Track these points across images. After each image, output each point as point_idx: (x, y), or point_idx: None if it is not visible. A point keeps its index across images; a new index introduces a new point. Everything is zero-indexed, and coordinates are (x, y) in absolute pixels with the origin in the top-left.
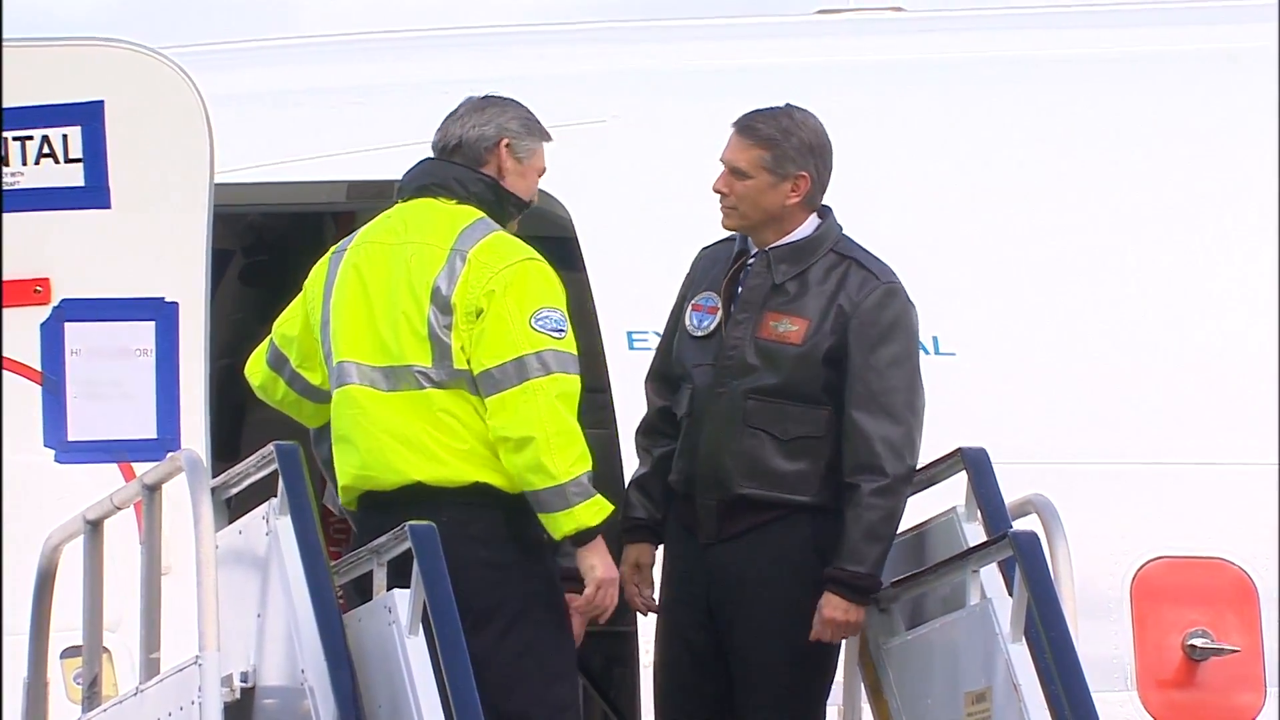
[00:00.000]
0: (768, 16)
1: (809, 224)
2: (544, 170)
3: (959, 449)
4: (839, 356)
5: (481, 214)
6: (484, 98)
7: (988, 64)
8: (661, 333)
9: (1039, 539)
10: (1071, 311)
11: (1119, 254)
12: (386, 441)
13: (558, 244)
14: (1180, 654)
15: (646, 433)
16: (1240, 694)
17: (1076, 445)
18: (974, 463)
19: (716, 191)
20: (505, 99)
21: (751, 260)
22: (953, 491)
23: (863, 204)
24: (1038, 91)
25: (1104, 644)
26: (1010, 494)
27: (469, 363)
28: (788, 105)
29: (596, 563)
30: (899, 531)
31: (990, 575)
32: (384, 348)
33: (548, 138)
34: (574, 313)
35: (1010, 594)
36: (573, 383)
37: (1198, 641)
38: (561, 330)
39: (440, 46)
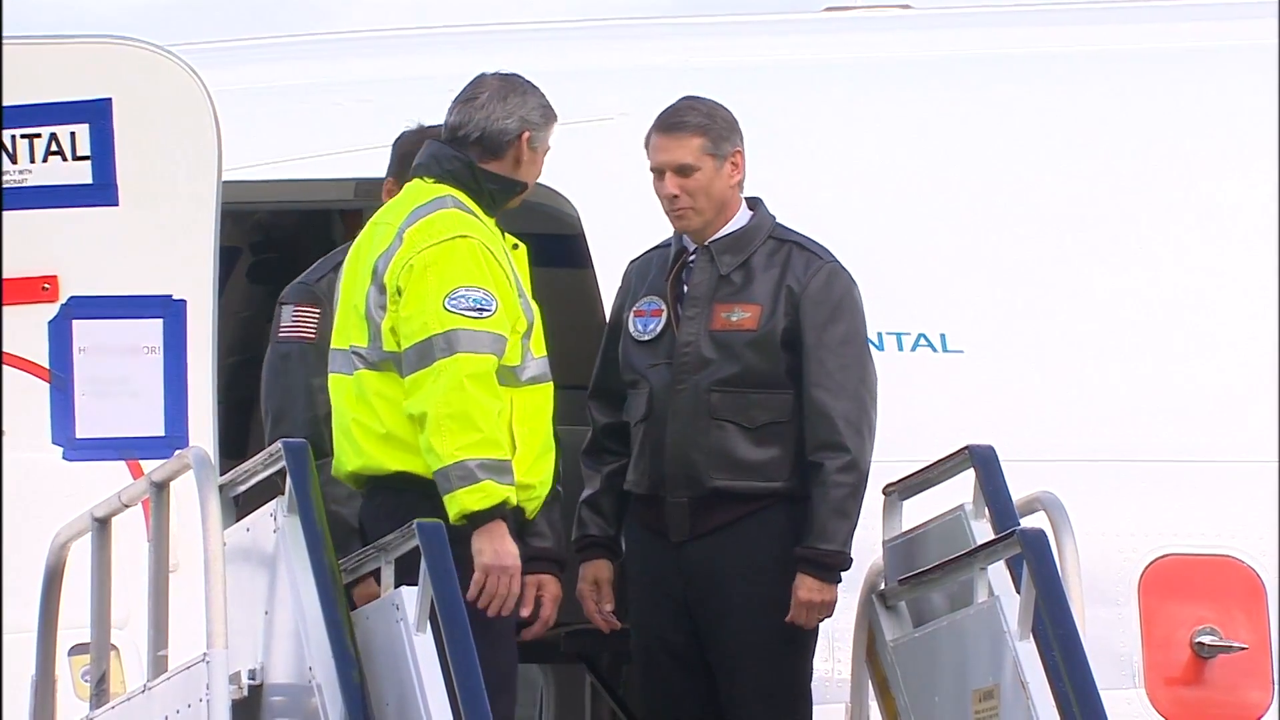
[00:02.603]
0: (776, 14)
1: (743, 213)
2: (549, 149)
3: (966, 446)
4: (793, 339)
5: (448, 192)
6: (503, 81)
7: (997, 61)
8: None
9: (1047, 536)
10: (1079, 308)
11: (1127, 250)
12: (336, 428)
13: (566, 242)
14: (1188, 651)
15: (591, 453)
16: (1248, 691)
17: (1084, 442)
18: (981, 460)
19: (667, 198)
20: (523, 84)
21: (692, 258)
22: (960, 489)
23: (870, 201)
24: (1045, 88)
25: (1111, 641)
26: (1018, 491)
27: (398, 344)
28: (688, 97)
29: (484, 547)
30: (906, 529)
31: (998, 573)
32: (342, 330)
33: (556, 120)
34: (581, 311)
35: (1018, 591)
36: (481, 363)
37: (1206, 639)
38: (480, 309)
39: (449, 43)
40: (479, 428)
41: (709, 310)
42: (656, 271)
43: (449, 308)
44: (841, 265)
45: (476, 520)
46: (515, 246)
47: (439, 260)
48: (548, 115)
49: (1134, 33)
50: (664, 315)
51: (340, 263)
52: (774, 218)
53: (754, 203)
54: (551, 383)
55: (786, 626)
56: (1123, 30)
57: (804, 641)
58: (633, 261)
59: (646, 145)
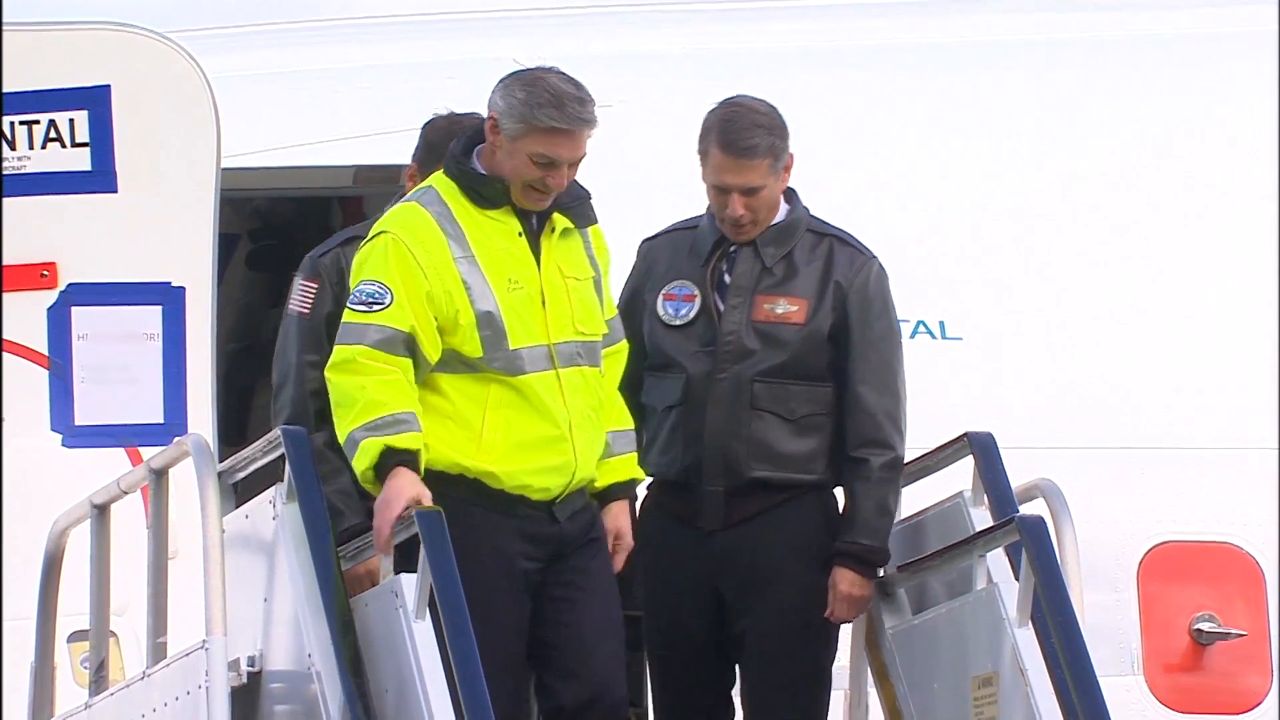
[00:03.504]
0: (773, 0)
1: (783, 206)
2: (545, 156)
3: (965, 434)
4: (837, 333)
5: (433, 184)
6: (514, 72)
7: (990, 47)
8: None
9: (1045, 524)
10: (1078, 295)
11: (1126, 238)
12: None
13: None
14: (1187, 638)
15: None
16: (1247, 677)
17: (1083, 429)
18: (980, 447)
19: (732, 218)
20: (521, 76)
21: (733, 248)
22: (959, 476)
23: (868, 188)
24: (1042, 74)
25: (1110, 628)
26: (1017, 479)
27: None
28: (740, 102)
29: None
30: (905, 517)
31: (997, 560)
32: None
33: (545, 123)
34: None
35: (1017, 579)
36: (341, 352)
37: (1204, 625)
38: (370, 303)
39: (448, 29)
40: (353, 404)
41: (751, 301)
42: (687, 256)
43: (349, 303)
44: (878, 259)
45: (381, 475)
46: (557, 231)
47: (358, 257)
48: (522, 111)
49: (1130, 19)
50: (697, 301)
51: (350, 239)
52: (808, 209)
53: (790, 194)
54: (549, 373)
55: (816, 614)
56: (1118, 17)
57: (830, 631)
58: (649, 240)
59: (704, 156)
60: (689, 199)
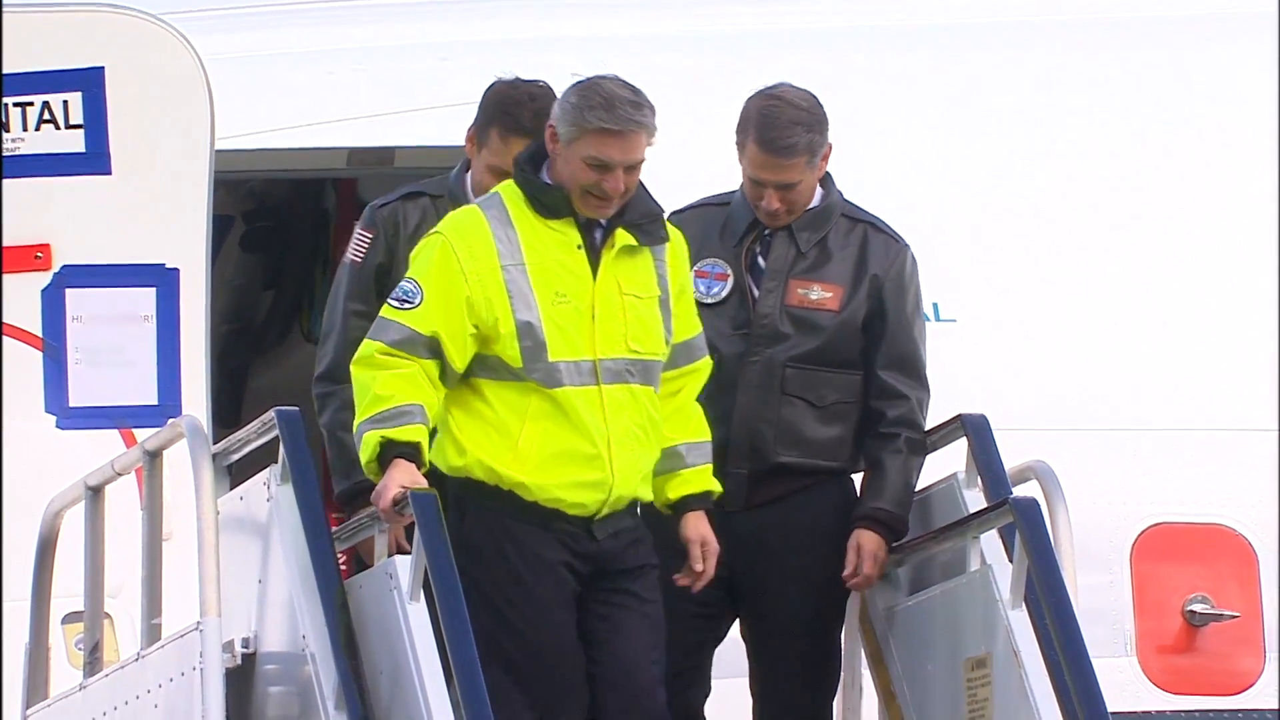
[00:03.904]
0: None
1: (817, 190)
2: (597, 158)
3: (959, 415)
4: (871, 320)
5: (495, 192)
6: (576, 81)
7: (983, 28)
8: None
9: (1039, 505)
10: (1072, 278)
11: (1120, 220)
12: None
13: None
14: (1180, 619)
15: None
16: (1240, 659)
17: (1077, 411)
18: (974, 429)
19: (769, 211)
20: (581, 82)
21: (768, 231)
22: (953, 458)
23: (860, 170)
24: (1038, 55)
25: (1104, 610)
26: (1010, 460)
27: None
28: (780, 95)
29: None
30: None
31: (990, 541)
32: None
33: (595, 124)
34: None
35: (1010, 560)
36: (365, 347)
37: (1197, 607)
38: (401, 301)
39: (440, 11)
40: (364, 397)
41: (785, 285)
42: (718, 234)
43: (389, 297)
44: (910, 247)
45: (382, 468)
46: (617, 247)
47: (413, 253)
48: (578, 117)
49: (1127, 1)
50: (730, 281)
51: (411, 193)
52: (841, 193)
53: (825, 179)
54: (592, 388)
55: (832, 597)
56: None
57: (840, 613)
58: (678, 213)
59: (741, 147)
60: (683, 183)
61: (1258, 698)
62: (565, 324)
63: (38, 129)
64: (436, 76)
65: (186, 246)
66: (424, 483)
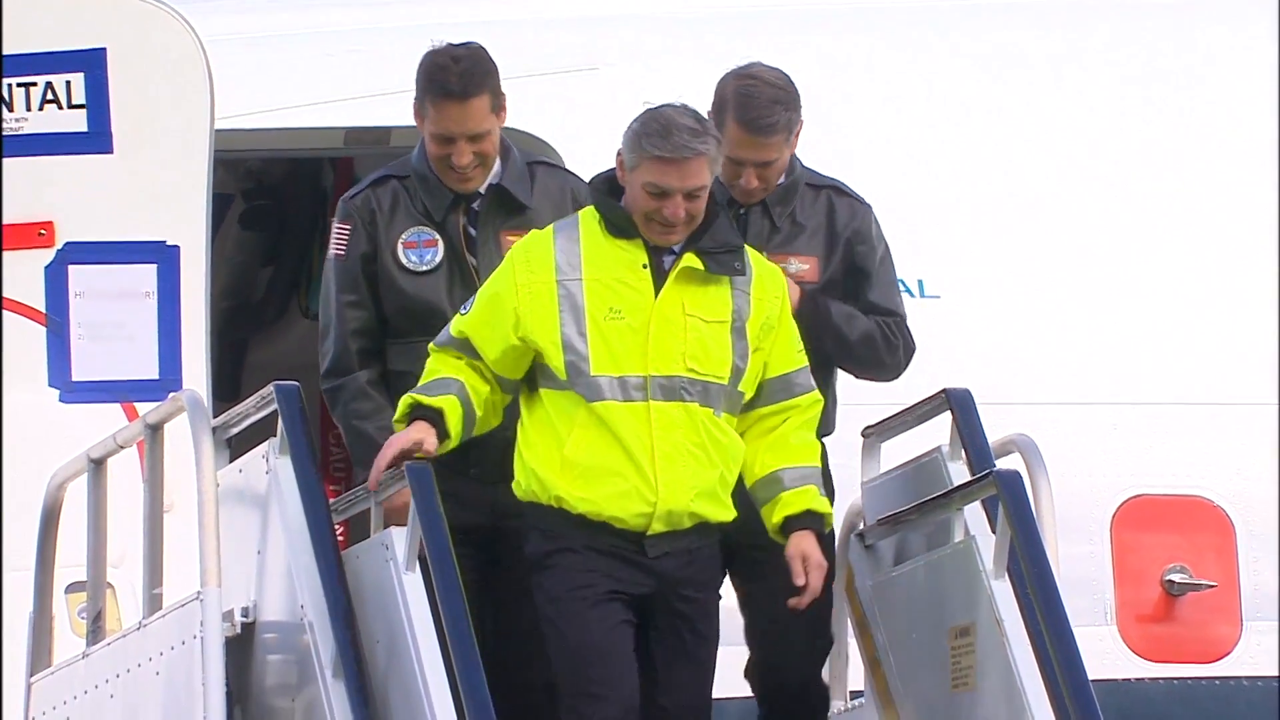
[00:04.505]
0: None
1: None
2: (655, 185)
3: (944, 390)
4: (847, 281)
5: (584, 212)
6: (644, 109)
7: (965, 8)
8: None
9: (1021, 478)
10: (1054, 253)
11: (1100, 197)
12: None
13: None
14: (1159, 589)
15: None
16: (1217, 627)
17: (1058, 386)
18: (958, 403)
19: (745, 188)
20: (647, 110)
21: (743, 209)
22: (938, 431)
23: (845, 147)
24: (1021, 31)
25: (1084, 579)
26: (993, 434)
27: None
28: (756, 74)
29: None
30: (885, 471)
31: (974, 513)
32: None
33: (651, 152)
34: None
35: (993, 532)
36: (429, 345)
37: (1176, 576)
38: (462, 307)
39: None
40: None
41: None
42: None
43: None
44: (871, 206)
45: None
46: (679, 268)
47: None
48: (636, 145)
49: None
50: None
51: (381, 178)
52: (800, 162)
53: None
54: (640, 404)
55: (832, 549)
56: None
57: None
58: None
59: (719, 127)
60: None
61: (1235, 665)
62: (614, 340)
63: (41, 109)
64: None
65: (187, 224)
66: (433, 444)
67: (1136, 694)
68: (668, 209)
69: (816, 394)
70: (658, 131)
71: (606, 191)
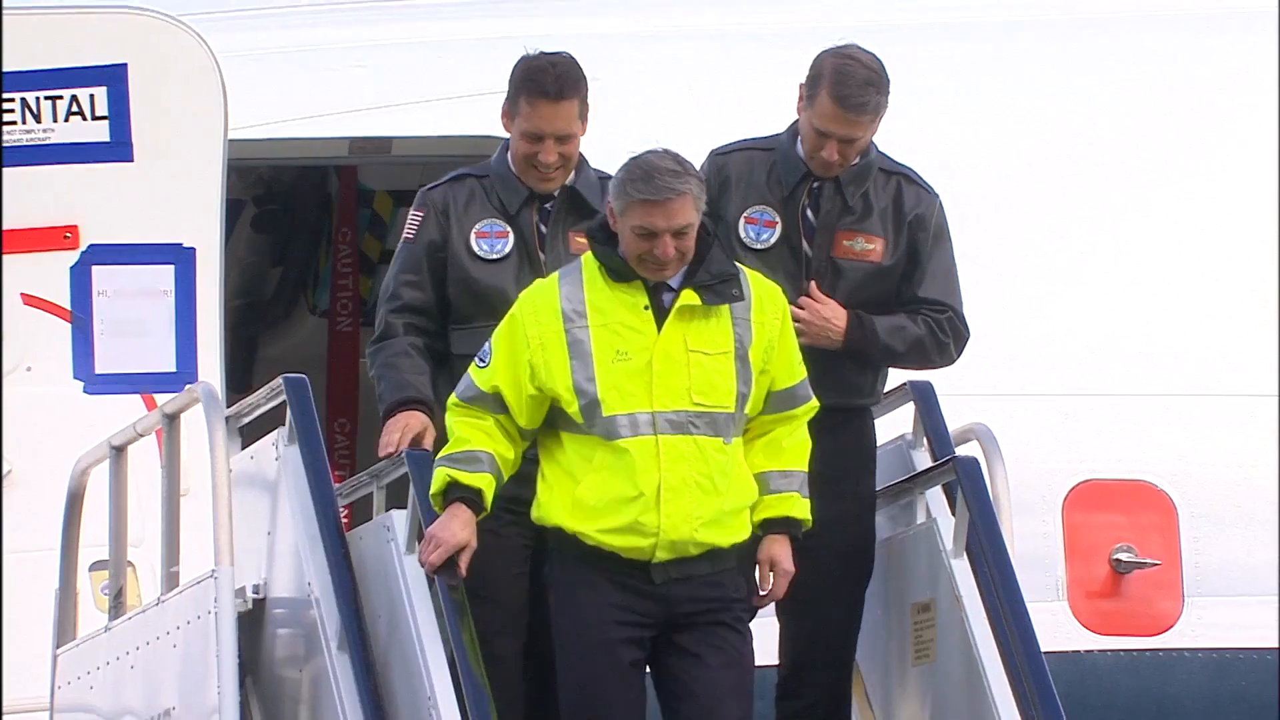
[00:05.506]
0: None
1: None
2: (643, 227)
3: (907, 382)
4: (909, 268)
5: (578, 260)
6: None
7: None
8: None
9: (979, 464)
10: (1008, 254)
11: (1053, 197)
12: None
13: None
14: (1107, 567)
15: None
16: (1161, 602)
17: (1013, 378)
18: (920, 394)
19: (823, 160)
20: (633, 160)
21: (816, 183)
22: (901, 421)
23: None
24: (1006, 46)
25: (1038, 558)
26: (953, 423)
27: None
28: (853, 55)
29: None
30: None
31: (935, 497)
32: None
33: (636, 196)
34: None
35: (953, 514)
36: (451, 397)
37: (1123, 555)
38: (479, 360)
39: (435, 10)
40: (449, 439)
41: (832, 237)
42: (766, 180)
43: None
44: (939, 196)
45: (444, 503)
46: (679, 305)
47: None
48: (622, 191)
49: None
50: (778, 229)
51: (458, 176)
52: (877, 147)
53: None
54: (648, 438)
55: (873, 511)
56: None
57: (873, 529)
58: (722, 154)
59: (811, 99)
60: None
61: (1177, 638)
62: (622, 381)
63: (66, 120)
64: (431, 72)
65: (202, 227)
66: (473, 541)
67: (1086, 665)
68: (658, 249)
69: (814, 402)
70: (640, 177)
71: (603, 239)
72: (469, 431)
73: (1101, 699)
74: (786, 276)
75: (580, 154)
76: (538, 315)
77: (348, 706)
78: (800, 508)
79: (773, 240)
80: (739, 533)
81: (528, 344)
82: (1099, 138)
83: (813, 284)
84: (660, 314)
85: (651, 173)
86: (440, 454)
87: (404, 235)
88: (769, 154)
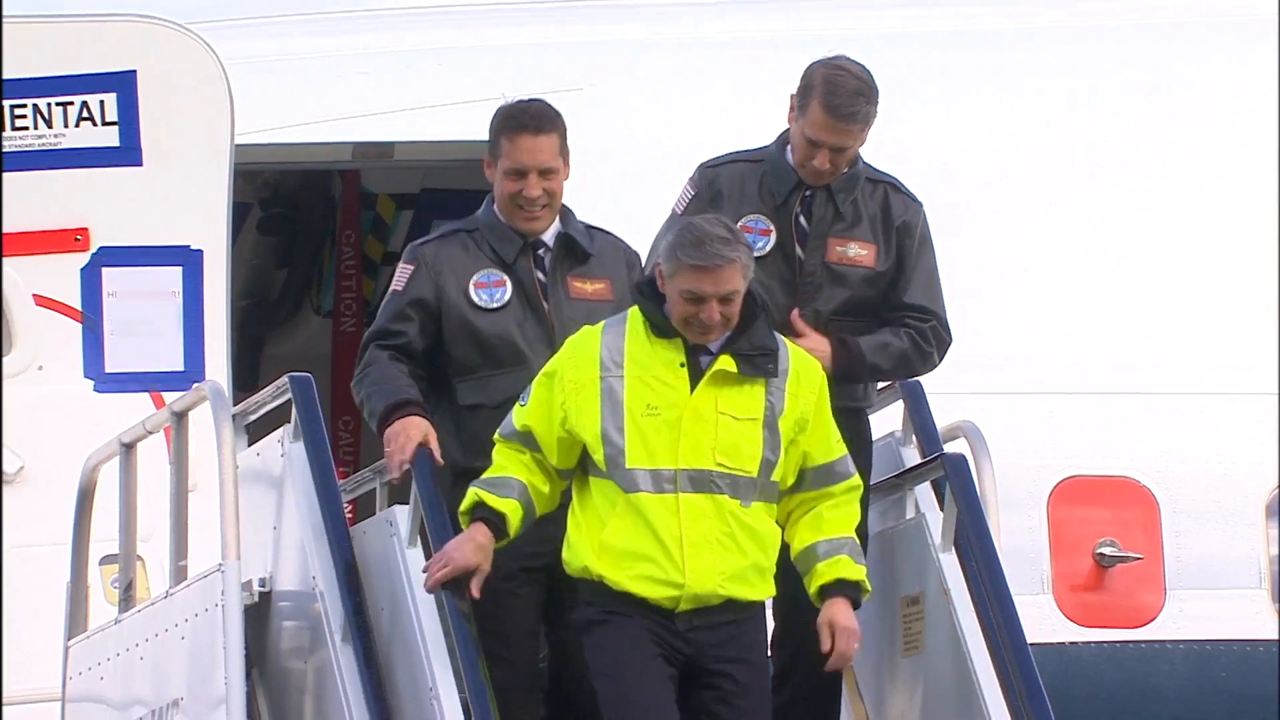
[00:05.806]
0: None
1: None
2: (690, 292)
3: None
4: (896, 275)
5: (625, 312)
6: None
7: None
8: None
9: (967, 461)
10: (993, 255)
11: (1037, 199)
12: None
13: None
14: (1091, 561)
15: None
16: (1143, 596)
17: (999, 377)
18: (910, 393)
19: (815, 170)
20: (682, 222)
21: (809, 192)
22: (891, 418)
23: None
24: (1008, 56)
25: (1024, 552)
26: (941, 421)
27: None
28: (844, 65)
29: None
30: None
31: (924, 492)
32: None
33: (686, 261)
34: None
35: (941, 509)
36: (495, 435)
37: (1106, 549)
38: (521, 399)
39: (436, 20)
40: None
41: (824, 243)
42: (758, 190)
43: None
44: (923, 204)
45: (470, 520)
46: (714, 369)
47: None
48: (672, 254)
49: (1119, 7)
50: (772, 237)
51: (449, 233)
52: (860, 155)
53: None
54: (670, 495)
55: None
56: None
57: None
58: (712, 166)
59: (803, 109)
60: (658, 184)
61: (1159, 630)
62: (650, 434)
63: (77, 125)
64: (432, 78)
65: (209, 230)
66: (486, 560)
67: (1070, 656)
68: (704, 313)
69: (856, 479)
70: (692, 242)
71: (650, 295)
72: (508, 460)
73: (1086, 689)
74: (781, 282)
75: (565, 205)
76: (576, 361)
77: (351, 697)
78: (851, 569)
79: (768, 248)
80: (761, 590)
81: (564, 387)
82: (1086, 141)
83: (794, 314)
84: (695, 374)
85: (703, 239)
86: (480, 477)
87: (392, 287)
88: (758, 165)
